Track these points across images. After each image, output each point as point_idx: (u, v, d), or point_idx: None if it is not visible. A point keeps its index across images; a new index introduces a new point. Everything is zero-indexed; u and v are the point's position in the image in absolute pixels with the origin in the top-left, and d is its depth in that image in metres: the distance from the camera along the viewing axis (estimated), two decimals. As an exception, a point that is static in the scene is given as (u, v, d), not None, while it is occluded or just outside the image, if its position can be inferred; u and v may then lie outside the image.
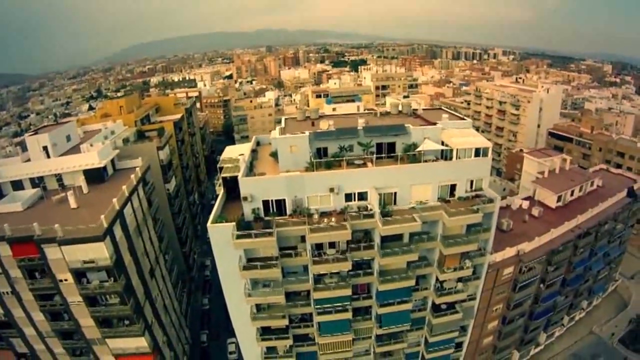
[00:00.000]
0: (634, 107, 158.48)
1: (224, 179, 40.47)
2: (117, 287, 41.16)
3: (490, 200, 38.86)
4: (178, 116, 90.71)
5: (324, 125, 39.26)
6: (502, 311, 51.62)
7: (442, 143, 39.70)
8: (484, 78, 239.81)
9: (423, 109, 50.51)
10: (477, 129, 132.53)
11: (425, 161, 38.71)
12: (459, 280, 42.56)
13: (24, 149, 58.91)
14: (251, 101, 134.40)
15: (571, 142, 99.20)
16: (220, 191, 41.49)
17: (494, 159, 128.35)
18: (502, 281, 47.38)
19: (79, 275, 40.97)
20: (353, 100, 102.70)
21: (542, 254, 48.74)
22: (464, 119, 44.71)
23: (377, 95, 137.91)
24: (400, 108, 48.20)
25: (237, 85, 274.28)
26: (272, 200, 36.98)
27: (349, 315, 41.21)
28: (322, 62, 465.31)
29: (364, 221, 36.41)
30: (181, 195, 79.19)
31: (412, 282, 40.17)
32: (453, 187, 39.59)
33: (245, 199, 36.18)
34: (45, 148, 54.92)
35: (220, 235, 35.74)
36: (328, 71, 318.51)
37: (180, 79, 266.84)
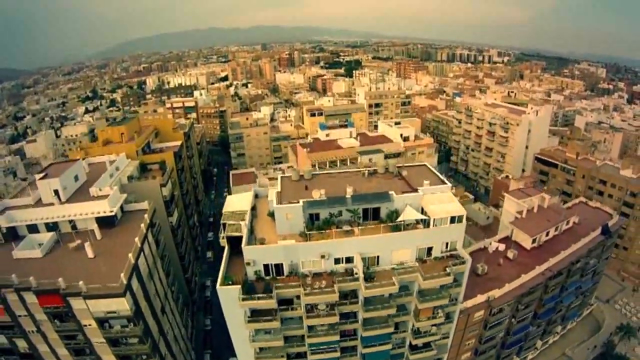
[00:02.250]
0: (624, 121, 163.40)
1: (228, 238, 45.56)
2: (137, 331, 46.77)
3: (462, 262, 44.74)
4: (177, 143, 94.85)
5: (315, 195, 44.66)
6: (474, 344, 57.55)
7: (422, 209, 45.15)
8: (478, 87, 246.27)
9: (407, 166, 55.95)
10: (467, 148, 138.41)
11: (407, 225, 44.31)
12: (433, 325, 48.52)
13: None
14: (247, 118, 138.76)
15: (556, 167, 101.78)
16: (225, 247, 46.24)
17: (482, 177, 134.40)
18: (473, 322, 53.31)
19: (102, 321, 46.15)
20: (346, 126, 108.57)
21: (511, 299, 54.37)
22: (444, 182, 49.72)
23: (371, 113, 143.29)
24: (387, 166, 53.72)
25: (232, 89, 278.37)
26: (271, 264, 42.67)
27: (337, 354, 48.25)
28: (317, 62, 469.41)
29: (350, 284, 42.63)
30: (183, 223, 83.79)
31: (392, 329, 46.62)
32: (430, 248, 45.42)
33: (249, 263, 41.89)
34: (56, 192, 59.12)
35: (228, 295, 41.34)
36: (323, 75, 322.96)
37: (177, 85, 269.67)
